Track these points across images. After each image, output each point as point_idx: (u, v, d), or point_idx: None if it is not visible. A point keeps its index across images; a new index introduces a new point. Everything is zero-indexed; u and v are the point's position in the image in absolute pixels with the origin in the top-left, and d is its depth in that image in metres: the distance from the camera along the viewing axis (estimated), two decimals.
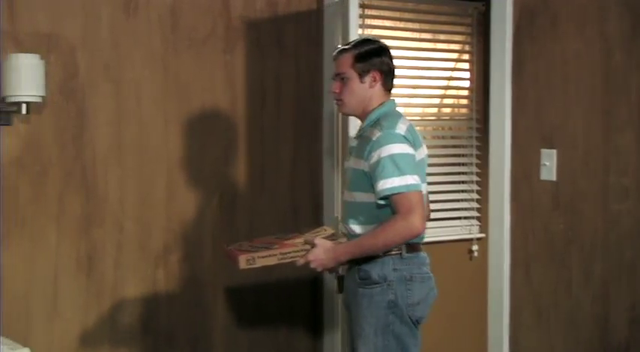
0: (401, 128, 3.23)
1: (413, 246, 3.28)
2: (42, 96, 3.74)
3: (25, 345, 3.38)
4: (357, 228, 3.31)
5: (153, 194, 4.27)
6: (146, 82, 4.24)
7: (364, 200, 3.27)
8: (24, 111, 3.74)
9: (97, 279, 4.12)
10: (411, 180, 3.13)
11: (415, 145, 3.26)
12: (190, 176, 4.37)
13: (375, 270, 3.24)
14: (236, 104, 4.52)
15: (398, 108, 3.43)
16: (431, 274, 3.35)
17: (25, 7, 3.88)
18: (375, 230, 3.16)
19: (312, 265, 3.24)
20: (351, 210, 3.35)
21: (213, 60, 4.45)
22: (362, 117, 3.39)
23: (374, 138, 3.20)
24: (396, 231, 3.11)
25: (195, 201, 4.39)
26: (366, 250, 3.19)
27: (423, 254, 3.35)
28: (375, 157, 3.17)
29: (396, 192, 3.12)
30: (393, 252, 3.23)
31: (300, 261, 3.26)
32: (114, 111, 4.16)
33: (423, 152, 3.36)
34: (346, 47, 3.38)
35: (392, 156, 3.14)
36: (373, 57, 3.34)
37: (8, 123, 3.84)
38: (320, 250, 3.23)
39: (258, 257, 3.28)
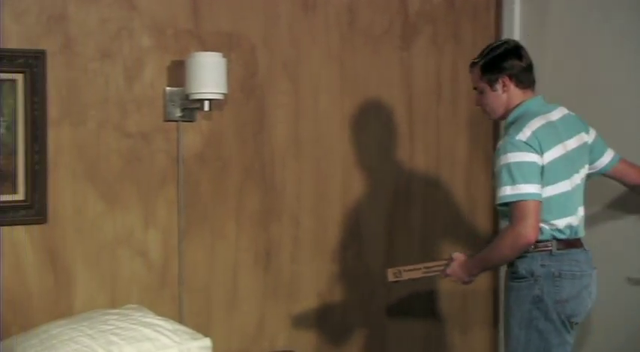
0: (525, 133, 3.23)
1: (565, 242, 3.28)
2: (224, 94, 3.84)
3: (206, 335, 3.48)
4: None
5: (329, 189, 4.32)
6: (323, 78, 4.30)
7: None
8: (206, 108, 3.85)
9: (274, 273, 4.21)
10: (526, 188, 3.15)
11: (543, 149, 3.23)
12: (365, 171, 4.40)
13: (523, 265, 3.27)
14: (412, 100, 4.51)
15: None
16: (588, 272, 3.30)
17: (208, 8, 4.00)
18: (491, 243, 3.30)
19: (452, 279, 3.45)
20: (502, 212, 3.38)
21: (389, 56, 4.46)
22: (508, 115, 3.44)
23: (499, 146, 3.28)
24: (504, 242, 3.21)
25: (370, 197, 4.41)
26: (488, 263, 3.38)
27: (579, 250, 3.30)
28: (496, 165, 3.26)
29: (507, 200, 3.18)
30: (543, 249, 3.25)
31: (442, 275, 3.49)
32: (292, 107, 4.23)
33: (557, 153, 3.28)
34: (475, 61, 3.45)
35: (508, 166, 3.19)
36: (498, 63, 3.37)
37: (192, 120, 3.98)
38: (456, 264, 3.41)
39: (405, 270, 3.59)
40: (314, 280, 4.31)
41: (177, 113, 3.94)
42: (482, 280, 4.58)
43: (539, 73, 3.54)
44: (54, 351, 3.25)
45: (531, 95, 3.41)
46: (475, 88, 3.47)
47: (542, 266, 3.24)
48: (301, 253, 4.27)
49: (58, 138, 3.71)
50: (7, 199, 3.63)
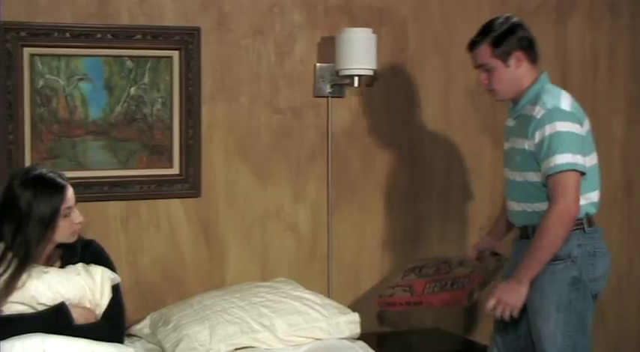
0: (565, 103, 3.11)
1: (593, 218, 3.17)
2: (373, 70, 3.83)
3: (354, 310, 3.50)
4: (528, 207, 3.19)
5: (479, 166, 4.28)
6: None
7: (535, 179, 3.14)
8: (356, 83, 3.85)
9: (422, 250, 4.18)
10: (574, 158, 3.01)
11: (581, 119, 3.12)
12: None
13: None
14: (566, 76, 4.38)
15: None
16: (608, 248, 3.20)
17: None
18: (537, 234, 3.05)
19: (506, 312, 3.11)
20: (521, 190, 3.21)
21: (543, 31, 4.32)
22: (517, 97, 3.24)
23: (538, 116, 3.08)
24: (556, 221, 3.00)
25: None
26: (543, 256, 3.05)
27: (600, 227, 3.20)
28: (539, 136, 3.06)
29: (558, 170, 3.01)
30: (578, 227, 3.10)
31: (489, 312, 3.18)
32: (442, 83, 4.19)
33: (588, 125, 3.18)
34: (478, 38, 3.23)
35: (558, 134, 3.02)
36: (509, 37, 3.18)
37: (341, 95, 3.99)
38: (499, 293, 3.11)
39: (476, 290, 3.43)
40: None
41: (327, 89, 3.96)
42: None
43: None
44: (207, 321, 3.33)
45: (539, 72, 3.25)
46: (480, 66, 3.23)
47: (579, 245, 3.10)
48: (450, 230, 4.23)
49: (211, 113, 3.80)
50: (163, 173, 3.74)
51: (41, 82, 3.53)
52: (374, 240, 4.11)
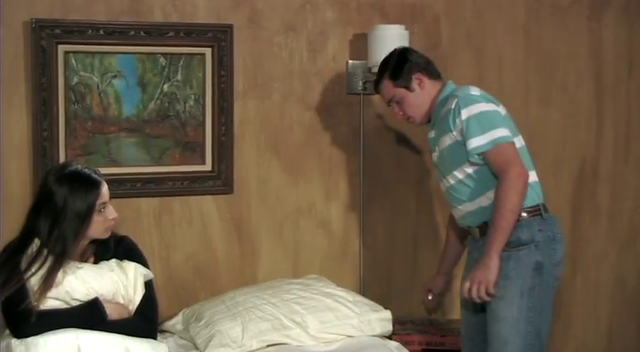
0: (474, 90, 3.18)
1: (545, 205, 3.18)
2: None
3: (386, 308, 3.50)
4: (482, 200, 3.15)
5: None
6: (507, 50, 4.21)
7: (472, 169, 3.15)
8: None
9: None
10: (499, 133, 3.05)
11: (495, 102, 3.17)
12: (550, 147, 4.28)
13: (521, 232, 3.08)
14: (600, 73, 4.35)
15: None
16: None
17: None
18: (496, 206, 3.02)
19: (481, 289, 3.02)
20: (466, 187, 3.18)
21: (577, 27, 4.31)
22: (431, 111, 3.31)
23: (452, 106, 3.13)
24: (510, 189, 2.99)
25: (554, 173, 4.29)
26: (506, 227, 3.00)
27: (554, 215, 3.22)
28: (459, 123, 3.10)
29: (481, 150, 3.05)
30: (535, 213, 3.12)
31: (466, 295, 3.09)
32: (475, 80, 4.13)
33: (504, 109, 3.21)
34: (377, 79, 3.36)
35: (475, 116, 3.07)
36: (403, 65, 3.30)
37: (373, 93, 3.97)
38: (476, 274, 3.04)
39: None
40: None
41: (360, 86, 3.95)
42: None
43: None
44: (239, 318, 3.34)
45: (443, 83, 3.33)
46: (389, 102, 3.35)
47: (540, 230, 3.10)
48: None
49: (243, 110, 3.81)
50: (196, 169, 3.76)
51: (75, 79, 3.56)
52: (406, 237, 4.10)
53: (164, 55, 3.67)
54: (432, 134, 3.32)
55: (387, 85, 3.32)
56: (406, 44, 3.78)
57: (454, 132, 3.13)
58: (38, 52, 3.47)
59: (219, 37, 3.72)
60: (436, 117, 3.27)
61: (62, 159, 3.51)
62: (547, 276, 3.12)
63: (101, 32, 3.56)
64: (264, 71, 3.84)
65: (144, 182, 3.68)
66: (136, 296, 3.01)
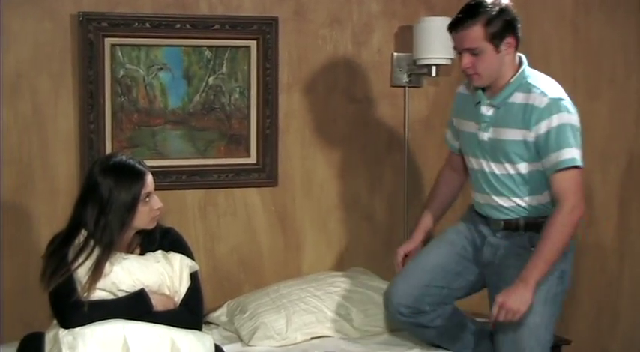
0: (564, 94, 2.98)
1: None
2: (451, 59, 3.79)
3: None
4: (519, 201, 3.05)
5: None
6: (554, 43, 4.17)
7: (530, 170, 3.01)
8: (434, 73, 3.83)
9: None
10: (579, 154, 2.91)
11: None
12: (596, 139, 4.22)
13: None
14: None
15: None
16: None
17: None
18: (548, 234, 2.89)
19: (510, 316, 2.89)
20: (508, 183, 3.06)
21: (626, 20, 4.25)
22: (495, 83, 3.05)
23: (542, 105, 2.92)
24: (566, 222, 2.88)
25: (601, 164, 4.25)
26: (551, 260, 2.89)
27: None
28: (545, 126, 2.91)
29: (573, 164, 2.89)
30: None
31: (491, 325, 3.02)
32: None
33: None
34: (465, 18, 2.97)
35: (566, 127, 2.90)
36: (504, 20, 2.96)
37: (418, 85, 3.97)
38: (503, 300, 2.88)
39: None
40: None
41: (404, 78, 3.94)
42: None
43: None
44: (284, 310, 3.35)
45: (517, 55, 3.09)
46: (464, 50, 2.99)
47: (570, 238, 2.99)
48: None
49: (288, 103, 3.81)
50: (241, 162, 3.77)
51: (122, 72, 3.58)
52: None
53: (209, 47, 3.68)
54: (488, 111, 3.07)
55: (477, 31, 2.94)
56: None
57: (531, 132, 2.95)
58: (85, 45, 3.50)
59: (265, 29, 3.73)
60: (508, 96, 3.02)
61: (108, 151, 3.54)
62: (566, 285, 3.08)
63: (147, 25, 3.58)
64: (308, 64, 3.84)
65: (189, 174, 3.70)
66: (182, 287, 3.01)
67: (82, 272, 2.86)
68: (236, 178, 3.76)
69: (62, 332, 2.80)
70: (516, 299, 2.85)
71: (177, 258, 3.04)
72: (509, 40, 2.99)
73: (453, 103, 3.31)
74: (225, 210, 3.78)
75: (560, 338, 3.88)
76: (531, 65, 4.06)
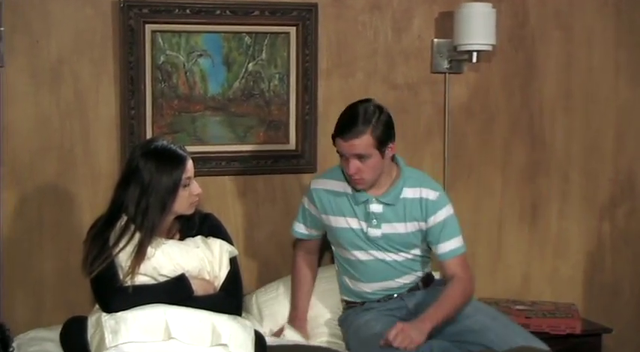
0: (438, 186, 3.35)
1: None
2: (492, 45, 3.77)
3: None
4: (411, 277, 3.34)
5: (600, 144, 4.16)
6: (597, 28, 4.11)
7: (420, 254, 3.33)
8: (474, 59, 3.79)
9: (540, 229, 4.11)
10: (463, 240, 3.30)
11: None
12: None
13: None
14: None
15: None
16: None
17: None
18: (450, 296, 3.17)
19: (406, 344, 2.95)
20: (402, 267, 3.31)
21: None
22: (379, 182, 3.23)
23: (434, 198, 3.23)
24: (463, 298, 3.19)
25: None
26: (449, 316, 3.14)
27: None
28: (437, 217, 3.23)
29: (459, 253, 3.24)
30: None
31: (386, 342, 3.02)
32: (563, 58, 4.08)
33: None
34: (355, 127, 3.08)
35: (452, 217, 3.27)
36: (390, 129, 3.16)
37: (459, 71, 3.94)
38: (403, 327, 3.00)
39: None
40: (582, 238, 4.17)
41: (445, 65, 3.91)
42: None
43: None
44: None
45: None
46: (351, 156, 3.10)
47: None
48: (569, 209, 4.14)
49: (327, 89, 3.80)
50: (280, 148, 3.77)
51: (162, 58, 3.60)
52: (490, 217, 4.06)
53: (249, 33, 3.68)
54: (378, 208, 3.23)
55: (367, 139, 3.08)
56: (493, 22, 3.74)
57: (427, 223, 3.24)
58: (126, 32, 3.51)
59: (304, 15, 3.72)
60: (396, 195, 3.22)
61: (149, 137, 3.55)
62: None
63: (187, 11, 3.59)
64: (348, 50, 3.82)
65: (228, 160, 3.71)
66: (222, 272, 3.03)
67: (123, 257, 2.89)
68: (275, 164, 3.77)
69: (105, 316, 2.83)
70: (416, 331, 2.99)
71: (216, 243, 3.06)
72: (392, 145, 3.17)
73: (314, 199, 3.36)
74: (264, 196, 3.78)
75: (601, 326, 3.86)
76: (573, 51, 4.08)
